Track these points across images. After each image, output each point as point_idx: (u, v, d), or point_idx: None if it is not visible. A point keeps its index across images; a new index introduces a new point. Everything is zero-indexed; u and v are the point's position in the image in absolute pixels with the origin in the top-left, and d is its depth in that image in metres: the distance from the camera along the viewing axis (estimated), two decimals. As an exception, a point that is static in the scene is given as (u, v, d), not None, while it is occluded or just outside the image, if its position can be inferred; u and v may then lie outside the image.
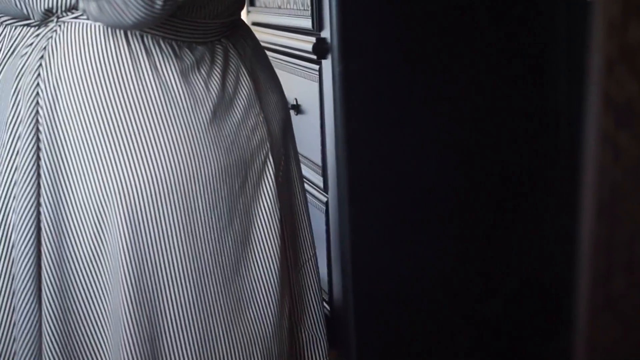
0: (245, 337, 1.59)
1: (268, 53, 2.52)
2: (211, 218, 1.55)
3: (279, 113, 1.71)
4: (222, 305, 1.57)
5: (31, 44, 1.56)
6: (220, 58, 1.61)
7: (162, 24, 1.53)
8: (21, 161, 1.54)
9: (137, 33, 1.51)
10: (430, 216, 1.96)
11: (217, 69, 1.59)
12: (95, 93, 1.51)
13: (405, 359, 1.95)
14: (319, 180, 2.12)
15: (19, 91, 1.55)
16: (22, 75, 1.55)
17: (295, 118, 2.28)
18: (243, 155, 1.59)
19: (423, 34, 1.95)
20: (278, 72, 2.43)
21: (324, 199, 2.09)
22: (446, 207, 1.97)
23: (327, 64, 1.99)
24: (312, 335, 1.76)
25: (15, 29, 1.60)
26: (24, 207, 1.54)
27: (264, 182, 1.62)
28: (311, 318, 1.76)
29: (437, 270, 1.97)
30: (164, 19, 1.50)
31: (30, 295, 1.55)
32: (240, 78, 1.63)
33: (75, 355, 1.56)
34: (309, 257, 1.76)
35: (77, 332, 1.56)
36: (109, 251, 1.52)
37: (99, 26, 1.51)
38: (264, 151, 1.63)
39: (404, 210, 1.96)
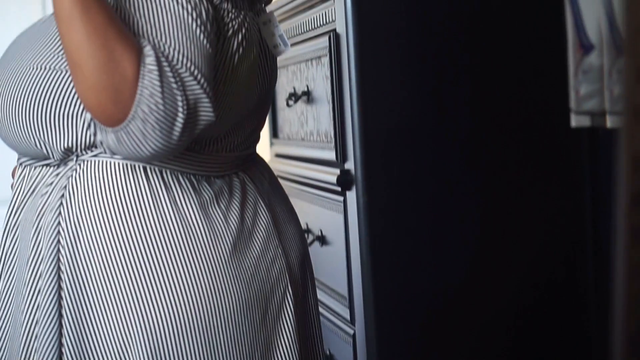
0: None
1: (292, 184, 2.54)
2: (233, 352, 1.54)
3: (297, 245, 1.71)
4: None
5: (51, 183, 1.57)
6: (238, 191, 1.62)
7: (180, 158, 1.55)
8: (43, 299, 1.54)
9: (156, 168, 1.53)
10: (463, 342, 1.93)
11: (236, 202, 1.60)
12: (116, 229, 1.52)
13: None
14: (345, 312, 2.09)
15: (39, 230, 1.56)
16: (43, 215, 1.56)
17: (320, 249, 2.27)
18: (263, 288, 1.59)
19: (448, 156, 1.95)
20: (302, 203, 2.44)
21: (351, 331, 2.06)
22: (480, 328, 1.94)
23: (351, 195, 1.99)
24: None
25: (34, 169, 1.62)
26: (46, 346, 1.53)
27: (284, 314, 1.62)
28: None
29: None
30: (180, 151, 1.51)
31: None
32: (259, 211, 1.64)
33: None
34: None
35: None
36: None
37: (118, 163, 1.53)
38: (283, 283, 1.63)
39: (434, 339, 1.93)
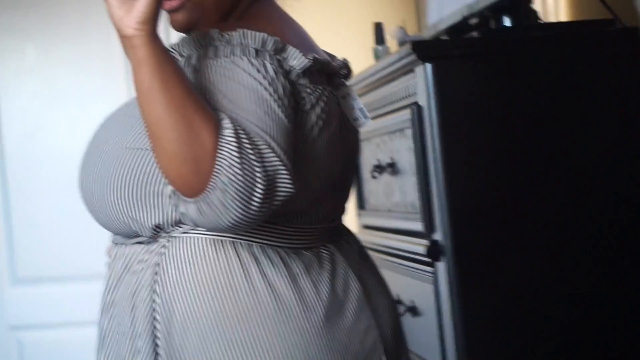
0: None
1: (380, 255, 2.56)
2: None
3: (389, 316, 1.71)
4: None
5: (144, 261, 1.60)
6: (327, 263, 1.63)
7: (269, 231, 1.57)
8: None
9: (245, 243, 1.55)
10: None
11: (326, 274, 1.61)
12: (210, 305, 1.54)
13: None
14: (440, 383, 2.10)
15: (135, 308, 1.59)
16: (138, 292, 1.59)
17: (412, 320, 2.28)
18: (357, 359, 1.59)
19: (535, 224, 1.96)
20: (392, 274, 2.45)
21: (446, 403, 2.06)
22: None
23: (441, 266, 2.00)
24: None
25: (127, 247, 1.65)
26: None
27: (379, 385, 1.63)
28: None
29: None
30: (263, 223, 1.54)
31: None
32: (349, 282, 1.64)
33: None
34: None
35: None
36: None
37: (208, 239, 1.56)
38: (378, 354, 1.63)
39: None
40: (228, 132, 1.41)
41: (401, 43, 2.75)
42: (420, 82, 2.03)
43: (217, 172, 1.39)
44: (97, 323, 1.71)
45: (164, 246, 1.58)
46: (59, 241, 3.87)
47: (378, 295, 1.72)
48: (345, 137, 1.71)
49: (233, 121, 1.43)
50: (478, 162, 1.96)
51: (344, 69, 1.77)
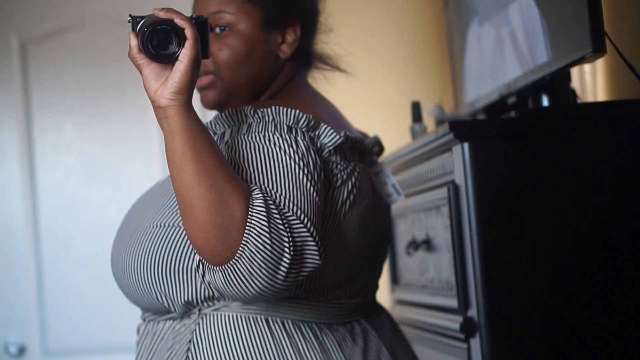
0: None
1: (413, 330, 2.55)
2: None
3: (421, 391, 1.71)
4: None
5: (176, 337, 1.61)
6: (360, 339, 1.64)
7: (301, 306, 1.58)
8: None
9: (278, 319, 1.56)
10: None
11: (358, 350, 1.62)
12: (243, 382, 1.54)
13: None
14: None
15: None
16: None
17: (445, 396, 2.28)
18: None
19: (571, 305, 1.95)
20: (424, 349, 2.45)
21: None
22: None
23: (475, 342, 2.00)
24: None
25: (158, 323, 1.66)
26: None
27: None
28: None
29: None
30: (293, 298, 1.54)
31: None
32: (382, 358, 1.65)
33: None
34: None
35: None
36: None
37: (240, 315, 1.56)
38: None
39: None
40: (258, 202, 1.43)
41: (438, 122, 2.79)
42: (457, 161, 2.04)
43: (245, 241, 1.42)
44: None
45: (196, 322, 1.59)
46: (90, 314, 3.89)
47: (410, 370, 1.72)
48: (378, 214, 1.73)
49: (263, 192, 1.45)
50: (514, 240, 1.97)
51: (376, 146, 1.79)
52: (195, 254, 1.53)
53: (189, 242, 1.55)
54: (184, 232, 1.56)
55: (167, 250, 1.58)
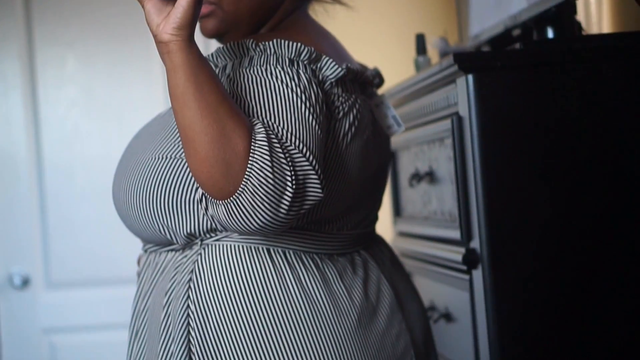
0: None
1: (415, 262, 2.57)
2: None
3: (420, 322, 1.73)
4: None
5: (177, 267, 1.62)
6: (360, 269, 1.65)
7: (302, 237, 1.59)
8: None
9: (279, 249, 1.57)
10: None
11: (359, 280, 1.63)
12: (245, 311, 1.56)
13: None
14: (473, 389, 2.11)
15: (169, 313, 1.61)
16: (172, 299, 1.61)
17: (446, 326, 2.29)
18: (389, 363, 1.61)
19: (575, 235, 1.96)
20: (426, 280, 2.46)
21: (480, 409, 2.07)
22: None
23: (477, 274, 2.01)
24: None
25: (160, 254, 1.67)
26: None
27: (410, 390, 1.64)
28: None
29: None
30: (294, 229, 1.55)
31: None
32: (382, 288, 1.66)
33: None
34: None
35: None
36: None
37: (242, 245, 1.57)
38: (408, 358, 1.64)
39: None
40: (260, 136, 1.43)
41: (442, 54, 2.78)
42: (462, 93, 2.04)
43: (248, 175, 1.42)
44: (129, 327, 1.73)
45: (197, 253, 1.60)
46: (93, 246, 3.91)
47: (409, 301, 1.73)
48: (378, 145, 1.73)
49: (265, 126, 1.45)
50: (517, 172, 1.97)
51: (377, 78, 1.79)
52: (197, 187, 1.54)
53: (190, 174, 1.55)
54: (186, 164, 1.56)
55: (169, 182, 1.59)
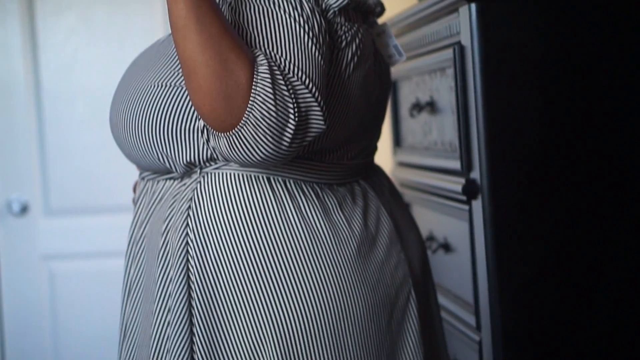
0: None
1: (415, 192, 2.57)
2: (360, 354, 1.57)
3: (418, 251, 1.73)
4: None
5: (176, 196, 1.61)
6: (360, 199, 1.65)
7: (303, 166, 1.58)
8: (174, 303, 1.58)
9: (279, 178, 1.57)
10: (592, 349, 1.93)
11: (358, 209, 1.63)
12: (244, 239, 1.55)
13: None
14: (470, 319, 2.12)
15: (167, 241, 1.61)
16: (170, 227, 1.61)
17: (444, 256, 2.30)
18: (388, 292, 1.61)
19: (576, 166, 1.96)
20: (426, 210, 2.47)
21: (477, 338, 2.08)
22: (609, 331, 1.94)
23: (477, 204, 2.01)
24: None
25: (157, 183, 1.66)
26: (178, 349, 1.58)
27: (408, 319, 1.64)
28: None
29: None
30: (294, 158, 1.55)
31: None
32: (381, 218, 1.66)
33: None
34: None
35: None
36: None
37: (242, 174, 1.57)
38: (407, 288, 1.65)
39: (562, 346, 1.93)
40: (263, 68, 1.42)
41: (445, -17, 2.74)
42: (464, 22, 2.02)
43: (250, 108, 1.41)
44: (125, 254, 1.73)
45: (197, 182, 1.59)
46: (92, 174, 3.91)
47: (407, 231, 1.74)
48: (379, 75, 1.72)
49: (268, 58, 1.43)
50: (519, 102, 1.96)
51: (378, 6, 1.77)
52: (198, 116, 1.53)
53: (191, 102, 1.54)
54: (186, 93, 1.55)
55: (168, 110, 1.58)
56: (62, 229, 3.96)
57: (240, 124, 1.42)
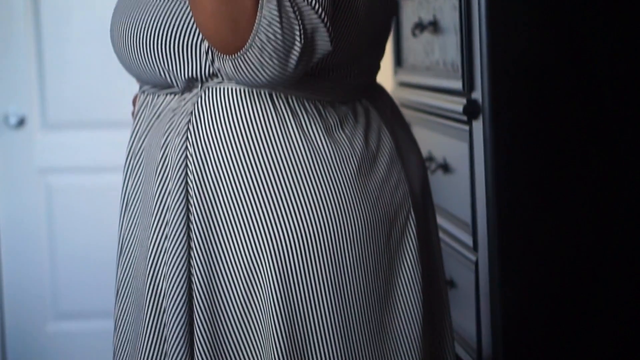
0: None
1: (415, 113, 2.56)
2: (358, 273, 1.57)
3: (418, 172, 1.73)
4: None
5: (176, 109, 1.61)
6: (362, 117, 1.64)
7: (306, 84, 1.57)
8: (172, 217, 1.58)
9: (282, 94, 1.56)
10: (585, 277, 1.94)
11: (360, 128, 1.62)
12: (245, 155, 1.55)
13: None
14: (467, 239, 2.12)
15: (166, 155, 1.60)
16: (169, 140, 1.60)
17: (443, 177, 2.30)
18: (387, 211, 1.61)
19: (578, 95, 1.95)
20: (425, 131, 2.46)
21: (473, 258, 2.09)
22: (605, 269, 1.95)
23: (477, 124, 2.01)
24: None
25: (158, 97, 1.65)
26: (175, 268, 1.58)
27: (407, 238, 1.64)
28: None
29: (596, 326, 1.94)
30: (299, 79, 1.54)
31: (183, 357, 1.58)
32: (382, 137, 1.65)
33: None
34: (446, 312, 1.78)
35: None
36: (260, 309, 1.56)
37: (244, 89, 1.56)
38: (406, 208, 1.65)
39: (557, 271, 1.94)
40: (268, -11, 1.40)
41: None
42: (469, -60, 2.00)
43: (255, 31, 1.39)
44: (123, 167, 1.72)
45: (197, 96, 1.58)
46: (90, 88, 3.90)
47: (408, 150, 1.73)
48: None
49: None
50: (523, 23, 1.94)
51: None
52: (198, 30, 1.52)
53: (192, 16, 1.52)
54: (188, 6, 1.53)
55: (171, 25, 1.56)
56: (60, 143, 3.96)
57: (245, 47, 1.40)
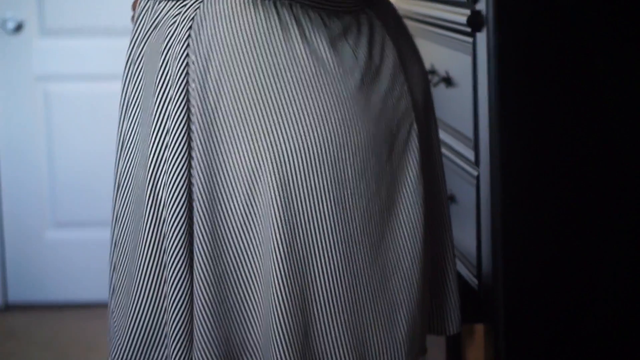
0: (390, 305, 1.61)
1: (418, 24, 2.53)
2: (360, 186, 1.57)
3: (421, 84, 1.72)
4: (369, 274, 1.59)
5: (178, 14, 1.58)
6: (366, 28, 1.62)
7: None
8: (172, 123, 1.57)
9: (286, 3, 1.54)
10: (587, 197, 1.94)
11: (364, 38, 1.61)
12: (247, 62, 1.54)
13: (554, 337, 1.94)
14: (469, 153, 2.11)
15: (167, 60, 1.59)
16: (170, 46, 1.58)
17: (445, 90, 2.28)
18: (390, 124, 1.61)
19: (586, 10, 1.92)
20: (428, 43, 2.43)
21: (475, 173, 2.08)
22: (605, 191, 1.94)
23: (481, 37, 1.98)
24: (447, 306, 1.77)
25: (158, 3, 1.63)
26: (175, 179, 1.57)
27: (409, 151, 1.64)
28: (447, 288, 1.77)
29: (593, 251, 1.94)
30: None
31: (182, 268, 1.58)
32: (386, 48, 1.64)
33: (228, 323, 1.58)
34: (447, 228, 1.78)
35: (229, 300, 1.58)
36: (260, 219, 1.55)
37: None
38: (409, 121, 1.64)
39: (558, 187, 1.94)
40: None
41: None
42: None
43: None
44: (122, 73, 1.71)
45: (200, 1, 1.56)
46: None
47: (411, 62, 1.71)
48: None
49: None
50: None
51: None
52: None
53: None
54: None
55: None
56: (58, 49, 3.93)
57: None
